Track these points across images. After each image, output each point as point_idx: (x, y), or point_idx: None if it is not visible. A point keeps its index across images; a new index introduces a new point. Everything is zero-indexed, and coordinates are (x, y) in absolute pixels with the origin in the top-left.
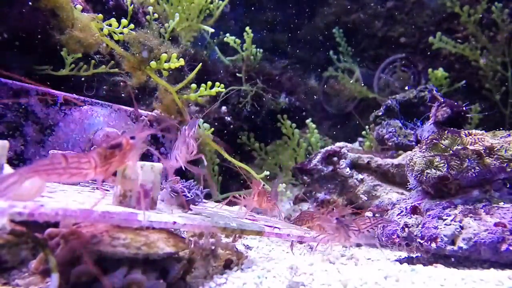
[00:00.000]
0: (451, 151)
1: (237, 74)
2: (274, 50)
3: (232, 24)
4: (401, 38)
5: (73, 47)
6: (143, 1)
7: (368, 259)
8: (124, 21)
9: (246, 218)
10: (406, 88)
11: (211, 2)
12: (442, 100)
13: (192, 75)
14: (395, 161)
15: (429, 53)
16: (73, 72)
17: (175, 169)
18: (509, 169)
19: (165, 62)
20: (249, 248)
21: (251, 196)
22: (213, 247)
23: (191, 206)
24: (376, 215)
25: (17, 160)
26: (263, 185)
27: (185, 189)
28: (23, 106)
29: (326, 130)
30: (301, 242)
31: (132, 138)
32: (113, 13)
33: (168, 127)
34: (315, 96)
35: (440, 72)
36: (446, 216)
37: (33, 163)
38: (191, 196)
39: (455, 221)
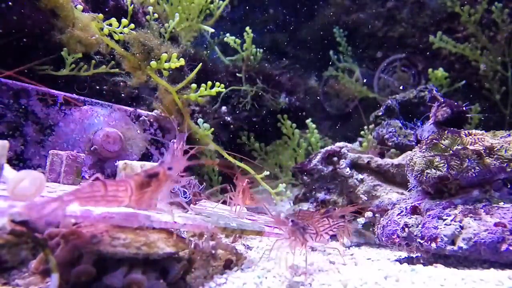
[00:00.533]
0: (451, 151)
1: (237, 74)
2: (274, 50)
3: (232, 24)
4: (402, 38)
5: (74, 47)
6: (143, 1)
7: (368, 259)
8: (124, 21)
9: (246, 218)
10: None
11: (211, 2)
12: (442, 100)
13: (192, 75)
14: (395, 161)
15: (428, 53)
16: (74, 72)
17: None
18: (509, 169)
19: (165, 62)
20: (249, 248)
21: (236, 193)
22: (213, 251)
23: (191, 206)
24: (376, 215)
25: (17, 160)
26: (247, 181)
27: (183, 189)
28: (23, 106)
29: (326, 130)
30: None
31: (170, 168)
32: (113, 13)
33: (169, 128)
34: (315, 96)
35: (440, 72)
36: (446, 216)
37: (75, 190)
38: (188, 196)
39: (455, 221)
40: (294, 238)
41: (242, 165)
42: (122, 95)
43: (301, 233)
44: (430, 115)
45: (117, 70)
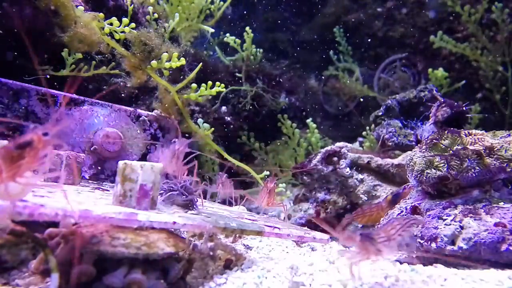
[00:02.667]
0: (451, 151)
1: (237, 74)
2: (274, 50)
3: (232, 24)
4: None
5: (76, 45)
6: (143, 1)
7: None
8: (125, 20)
9: (246, 218)
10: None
11: (212, 3)
12: (442, 100)
13: (192, 75)
14: (395, 161)
15: (428, 53)
16: (74, 73)
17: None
18: (509, 169)
19: (166, 61)
20: (249, 248)
21: (262, 193)
22: (211, 253)
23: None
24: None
25: None
26: (275, 183)
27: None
28: (23, 106)
29: (326, 130)
30: (302, 242)
31: (45, 134)
32: (113, 13)
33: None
34: (315, 96)
35: (440, 72)
36: (446, 216)
37: None
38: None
39: (455, 221)
40: (366, 251)
41: (242, 165)
42: (122, 95)
43: (373, 245)
44: (430, 115)
45: (117, 71)
